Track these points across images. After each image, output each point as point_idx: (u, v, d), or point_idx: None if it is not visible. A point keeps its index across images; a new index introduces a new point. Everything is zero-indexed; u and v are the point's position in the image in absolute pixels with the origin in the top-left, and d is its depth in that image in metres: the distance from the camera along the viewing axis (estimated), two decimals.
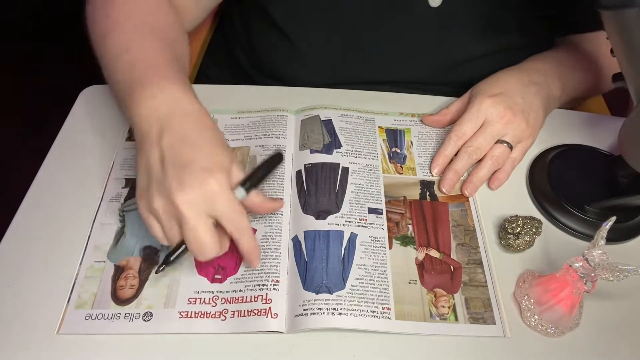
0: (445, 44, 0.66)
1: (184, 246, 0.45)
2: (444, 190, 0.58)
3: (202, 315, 0.47)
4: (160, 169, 0.44)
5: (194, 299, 0.48)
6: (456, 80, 0.68)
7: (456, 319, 0.48)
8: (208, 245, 0.43)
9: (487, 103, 0.59)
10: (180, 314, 0.47)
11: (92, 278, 0.49)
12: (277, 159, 0.51)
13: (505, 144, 0.59)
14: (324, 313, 0.47)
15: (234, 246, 0.52)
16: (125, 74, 0.50)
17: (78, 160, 0.59)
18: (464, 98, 0.64)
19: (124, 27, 0.54)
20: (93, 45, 0.56)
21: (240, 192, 0.46)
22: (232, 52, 0.78)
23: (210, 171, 0.43)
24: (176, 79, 0.49)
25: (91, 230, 0.53)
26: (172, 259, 0.46)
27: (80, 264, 0.50)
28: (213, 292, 0.49)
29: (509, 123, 0.58)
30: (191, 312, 0.47)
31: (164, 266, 0.46)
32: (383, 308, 0.48)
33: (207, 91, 0.65)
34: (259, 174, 0.49)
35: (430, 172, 0.60)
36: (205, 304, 0.48)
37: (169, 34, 0.57)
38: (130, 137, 0.62)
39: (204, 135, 0.46)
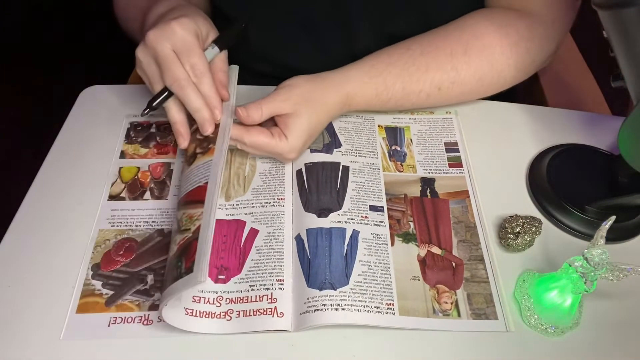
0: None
1: (167, 92, 0.52)
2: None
3: (207, 315, 0.47)
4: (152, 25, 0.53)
5: (198, 298, 0.48)
6: None
7: (459, 314, 0.49)
8: (170, 69, 0.50)
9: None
10: (186, 310, 0.47)
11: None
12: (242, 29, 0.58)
13: None
14: (328, 309, 0.47)
15: (238, 247, 0.52)
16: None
17: (78, 160, 0.59)
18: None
19: None
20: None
21: (213, 49, 0.54)
22: None
23: (176, 19, 0.51)
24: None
25: (92, 232, 0.53)
26: (155, 103, 0.52)
27: (82, 267, 0.50)
28: (217, 293, 0.49)
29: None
30: (196, 310, 0.47)
31: (147, 109, 0.53)
32: (387, 304, 0.48)
33: None
34: (228, 36, 0.56)
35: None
36: (209, 304, 0.48)
37: None
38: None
39: (188, 10, 0.55)
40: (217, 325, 0.47)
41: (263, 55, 0.71)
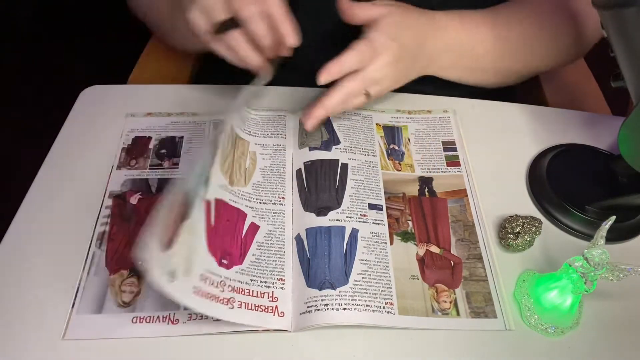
0: None
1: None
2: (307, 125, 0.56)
3: (210, 297, 0.46)
4: None
5: (205, 277, 0.47)
6: None
7: (458, 313, 0.49)
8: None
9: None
10: (194, 288, 0.45)
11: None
12: None
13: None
14: (327, 309, 0.47)
15: (239, 236, 0.51)
16: None
17: (78, 160, 0.59)
18: None
19: None
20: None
21: None
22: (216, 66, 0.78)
23: None
24: None
25: (93, 233, 0.53)
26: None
27: (84, 267, 0.50)
28: (220, 277, 0.48)
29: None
30: (202, 290, 0.46)
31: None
32: (386, 303, 0.48)
33: (205, 91, 0.65)
34: None
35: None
36: (213, 286, 0.47)
37: None
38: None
39: None
40: (220, 310, 0.46)
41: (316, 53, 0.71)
